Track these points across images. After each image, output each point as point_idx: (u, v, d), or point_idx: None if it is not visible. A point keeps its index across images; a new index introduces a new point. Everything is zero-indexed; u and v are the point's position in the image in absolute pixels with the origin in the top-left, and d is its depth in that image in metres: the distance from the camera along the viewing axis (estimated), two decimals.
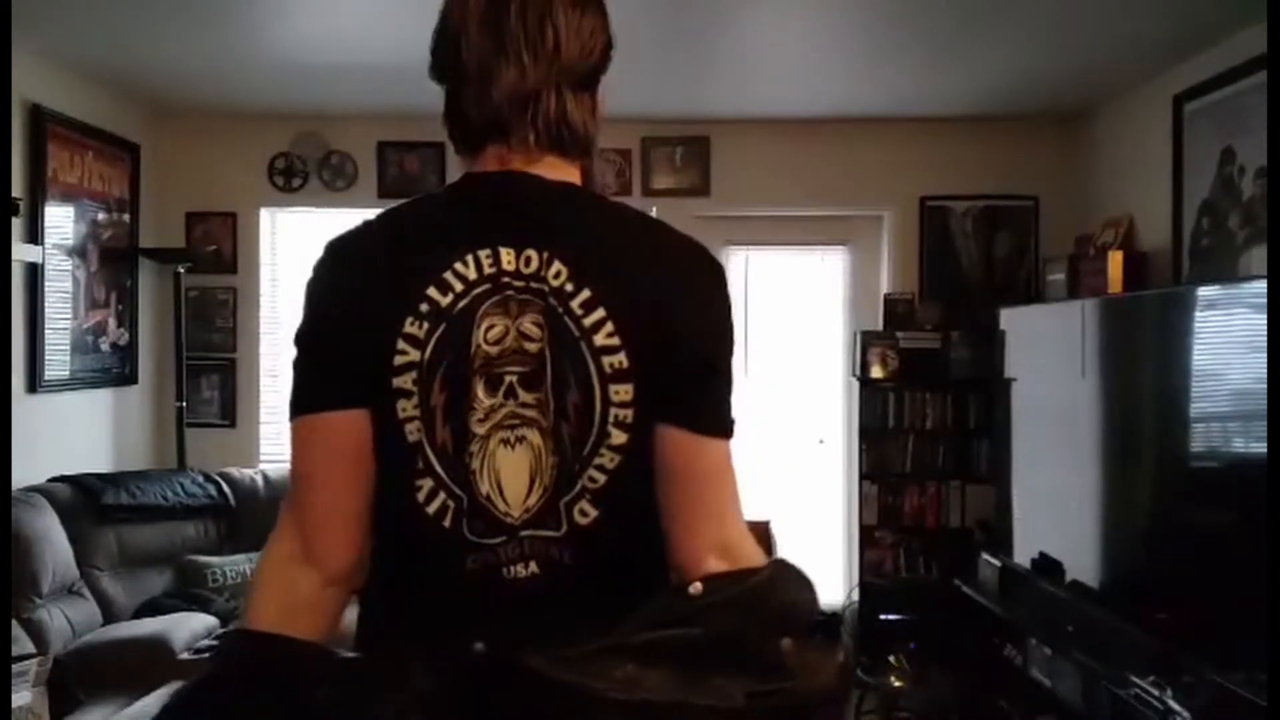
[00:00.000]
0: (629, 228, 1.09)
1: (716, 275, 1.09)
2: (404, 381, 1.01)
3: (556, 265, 1.02)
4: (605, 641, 0.91)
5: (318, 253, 1.09)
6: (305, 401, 1.06)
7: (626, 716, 0.89)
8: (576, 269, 1.02)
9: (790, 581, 1.01)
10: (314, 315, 1.07)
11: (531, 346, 1.02)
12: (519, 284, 1.02)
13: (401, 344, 1.01)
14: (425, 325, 1.01)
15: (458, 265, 1.02)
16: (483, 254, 1.03)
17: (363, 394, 1.03)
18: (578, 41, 1.08)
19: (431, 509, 1.03)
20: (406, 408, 1.02)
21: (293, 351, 1.08)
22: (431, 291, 1.02)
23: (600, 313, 1.01)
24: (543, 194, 1.06)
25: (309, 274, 1.08)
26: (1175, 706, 2.53)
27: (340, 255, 1.08)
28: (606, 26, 1.13)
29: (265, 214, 4.63)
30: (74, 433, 3.94)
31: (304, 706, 0.95)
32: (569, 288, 1.01)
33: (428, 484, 1.03)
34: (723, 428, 1.06)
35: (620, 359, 1.01)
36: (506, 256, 1.02)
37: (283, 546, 1.06)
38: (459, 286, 1.02)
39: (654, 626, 0.94)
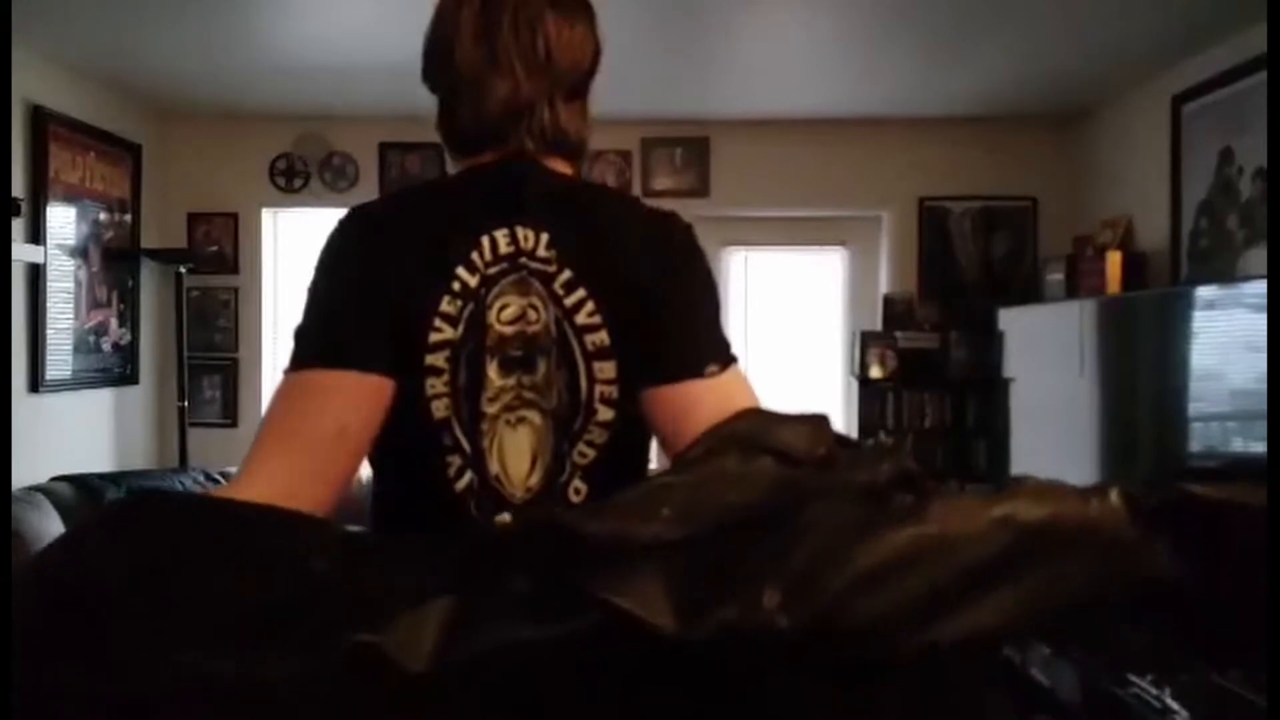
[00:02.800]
0: (607, 208, 1.12)
1: (687, 239, 1.11)
2: (437, 359, 1.02)
3: (545, 247, 1.04)
4: (631, 491, 0.78)
5: (343, 218, 1.08)
6: (341, 354, 1.00)
7: (669, 555, 0.73)
8: (560, 250, 1.04)
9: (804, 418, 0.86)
10: (349, 277, 1.05)
11: (532, 329, 1.04)
12: (532, 264, 1.04)
13: (438, 322, 1.02)
14: (459, 304, 1.03)
15: (480, 246, 1.04)
16: (499, 234, 1.04)
17: (394, 364, 1.02)
18: (569, 52, 1.10)
19: (459, 486, 1.05)
20: (436, 385, 1.03)
21: (309, 306, 1.04)
22: (461, 271, 1.03)
23: (581, 292, 1.04)
24: (539, 179, 1.09)
25: (335, 235, 1.07)
26: (1174, 705, 2.54)
27: (373, 224, 1.07)
28: (595, 34, 1.14)
29: (267, 214, 4.64)
30: (75, 432, 3.95)
31: (297, 575, 0.74)
32: (552, 269, 1.04)
33: (456, 461, 1.04)
34: (698, 369, 1.02)
35: (601, 337, 1.04)
36: (522, 236, 1.04)
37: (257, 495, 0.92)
38: (482, 266, 1.04)
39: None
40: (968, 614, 0.70)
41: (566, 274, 1.04)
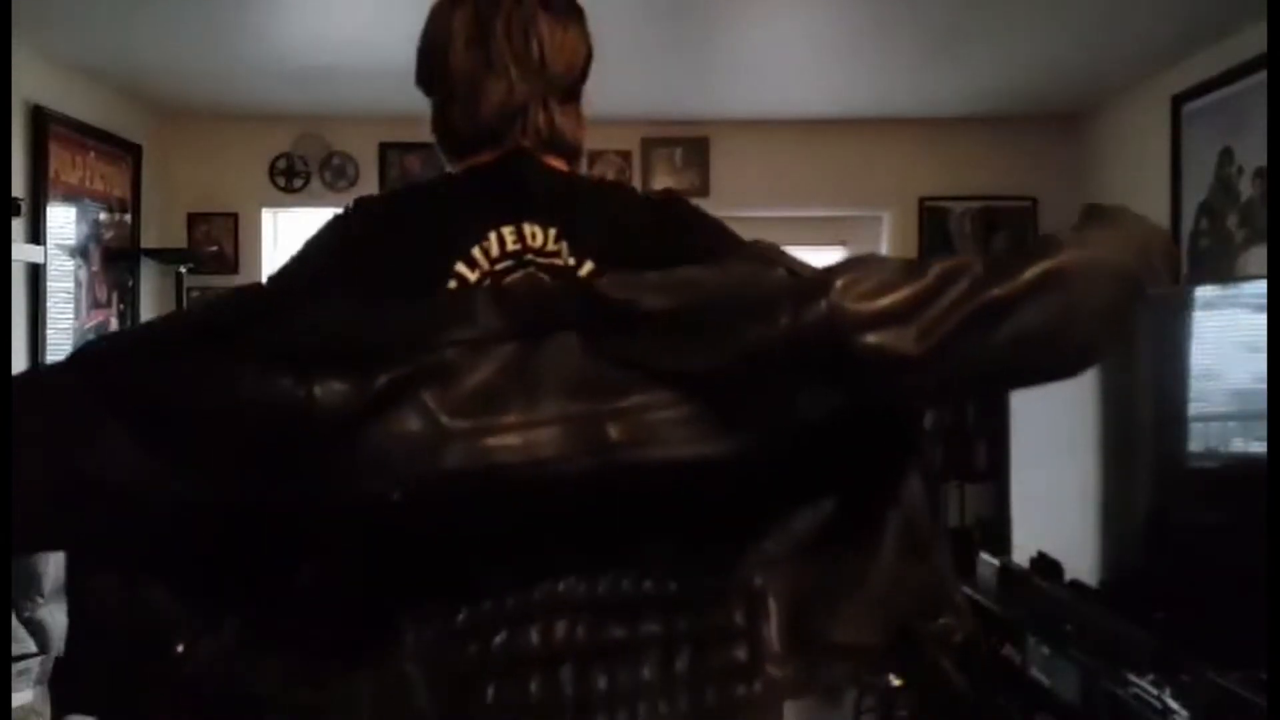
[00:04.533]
0: (611, 198, 1.13)
1: (693, 211, 1.15)
2: None
3: (554, 240, 1.04)
4: (658, 274, 0.90)
5: (346, 207, 1.06)
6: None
7: (688, 319, 0.86)
8: (573, 242, 1.03)
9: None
10: (338, 267, 1.03)
11: None
12: (541, 260, 1.04)
13: None
14: None
15: (486, 242, 1.03)
16: (506, 231, 1.03)
17: None
18: (563, 54, 1.10)
19: None
20: None
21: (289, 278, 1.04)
22: (460, 268, 1.02)
23: None
24: (541, 175, 1.08)
25: (335, 222, 1.05)
26: (1174, 705, 2.54)
27: (372, 218, 1.06)
28: (587, 38, 1.15)
29: (267, 214, 4.64)
30: None
31: (350, 318, 0.89)
32: (569, 262, 1.03)
33: None
34: None
35: None
36: (529, 232, 1.04)
37: None
38: (485, 264, 1.03)
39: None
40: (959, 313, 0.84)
41: (589, 265, 1.03)
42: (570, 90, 1.12)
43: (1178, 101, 3.65)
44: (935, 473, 0.96)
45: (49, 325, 3.71)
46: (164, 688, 0.88)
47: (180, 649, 0.86)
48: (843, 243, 4.76)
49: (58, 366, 0.90)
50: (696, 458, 0.83)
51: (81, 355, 0.90)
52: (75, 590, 0.91)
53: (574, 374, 0.84)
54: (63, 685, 0.92)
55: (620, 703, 0.85)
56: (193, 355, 0.85)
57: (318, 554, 0.87)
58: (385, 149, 4.57)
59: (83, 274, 3.95)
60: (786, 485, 0.91)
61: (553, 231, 1.04)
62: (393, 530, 0.84)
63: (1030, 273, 0.85)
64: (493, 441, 0.81)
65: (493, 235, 1.03)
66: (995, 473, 4.14)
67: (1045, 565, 3.54)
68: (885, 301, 0.83)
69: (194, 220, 4.59)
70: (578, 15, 1.14)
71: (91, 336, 3.98)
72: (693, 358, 0.84)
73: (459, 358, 0.84)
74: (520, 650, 0.85)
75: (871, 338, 0.82)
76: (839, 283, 0.83)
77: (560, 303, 0.89)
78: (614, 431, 0.83)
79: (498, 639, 0.85)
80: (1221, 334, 2.84)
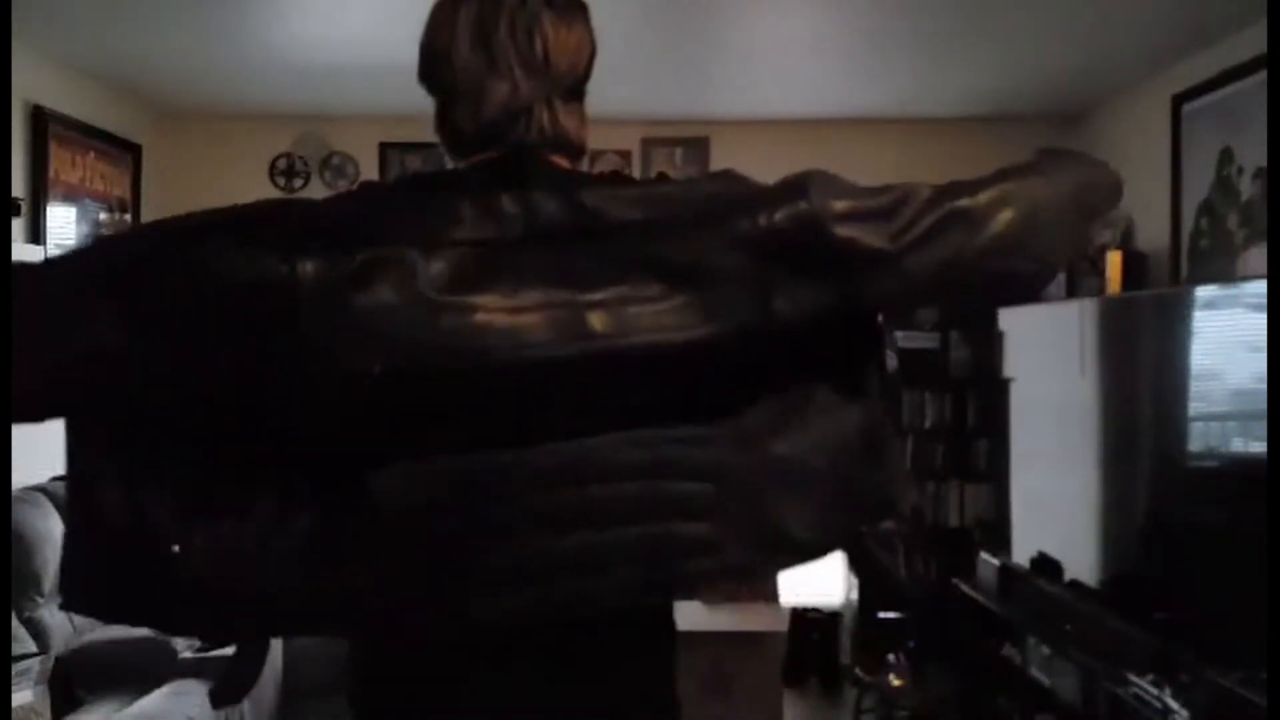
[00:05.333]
0: (611, 190, 1.13)
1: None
2: None
3: None
4: (636, 188, 0.97)
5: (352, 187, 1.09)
6: None
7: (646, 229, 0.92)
8: None
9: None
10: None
11: None
12: None
13: None
14: None
15: None
16: None
17: None
18: (567, 53, 1.10)
19: None
20: None
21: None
22: None
23: None
24: (544, 170, 1.08)
25: (337, 196, 1.07)
26: (1173, 705, 2.54)
27: (374, 199, 1.06)
28: (591, 36, 1.14)
29: None
30: None
31: (316, 208, 0.94)
32: None
33: None
34: None
35: None
36: None
37: None
38: None
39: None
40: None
41: None
42: (574, 89, 1.12)
43: (1178, 101, 3.65)
44: (895, 381, 1.05)
45: None
46: (162, 588, 0.89)
47: (176, 549, 0.87)
48: None
49: (59, 255, 0.96)
50: (674, 345, 0.88)
51: (77, 246, 1.00)
52: (75, 491, 0.94)
53: (555, 267, 0.89)
54: (62, 586, 0.95)
55: (594, 567, 0.89)
56: (185, 240, 0.88)
57: (303, 444, 0.88)
58: (385, 149, 4.57)
59: None
60: (760, 375, 0.96)
61: None
62: (377, 409, 0.86)
63: (986, 193, 0.98)
64: (478, 319, 0.85)
65: None
66: (995, 473, 4.14)
67: (1045, 565, 3.54)
68: (858, 203, 0.94)
69: None
70: (581, 13, 1.14)
71: None
72: (672, 251, 0.90)
73: (444, 249, 0.88)
74: (504, 516, 0.88)
75: (848, 230, 0.91)
76: (814, 186, 0.94)
77: (544, 207, 0.92)
78: (595, 322, 0.87)
79: (483, 508, 0.88)
80: (1221, 334, 2.84)
